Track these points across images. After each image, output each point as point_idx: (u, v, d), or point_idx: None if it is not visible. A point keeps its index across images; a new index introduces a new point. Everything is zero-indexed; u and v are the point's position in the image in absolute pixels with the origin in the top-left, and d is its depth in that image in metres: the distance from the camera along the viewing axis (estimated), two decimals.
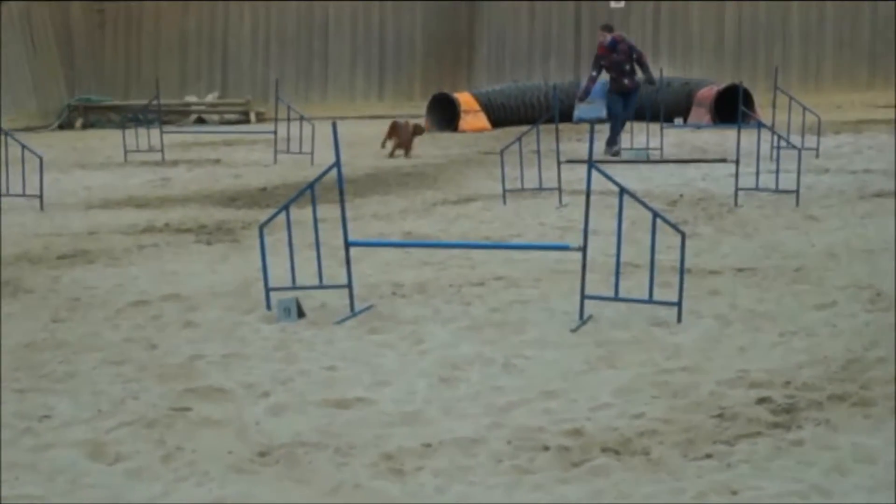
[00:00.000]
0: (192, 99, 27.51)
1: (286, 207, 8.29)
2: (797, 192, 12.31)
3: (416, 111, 24.03)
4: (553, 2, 26.28)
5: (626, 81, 17.92)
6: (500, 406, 6.06)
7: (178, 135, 21.81)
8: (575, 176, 13.96)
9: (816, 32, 24.45)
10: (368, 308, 8.15)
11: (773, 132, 14.43)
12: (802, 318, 7.62)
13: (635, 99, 18.03)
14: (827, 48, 24.42)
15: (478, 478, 5.15)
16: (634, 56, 17.95)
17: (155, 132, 19.62)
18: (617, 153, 17.26)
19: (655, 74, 18.07)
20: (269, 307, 8.12)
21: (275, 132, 18.59)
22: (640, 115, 17.93)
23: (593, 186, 7.93)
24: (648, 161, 16.43)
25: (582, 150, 17.33)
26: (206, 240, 11.28)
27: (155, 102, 19.92)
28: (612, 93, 18.12)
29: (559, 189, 12.97)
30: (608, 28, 18.71)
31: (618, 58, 17.90)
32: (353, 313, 7.99)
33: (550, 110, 15.11)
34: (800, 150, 13.35)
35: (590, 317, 7.72)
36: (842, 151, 16.91)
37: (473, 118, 22.15)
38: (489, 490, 5.02)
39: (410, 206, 13.05)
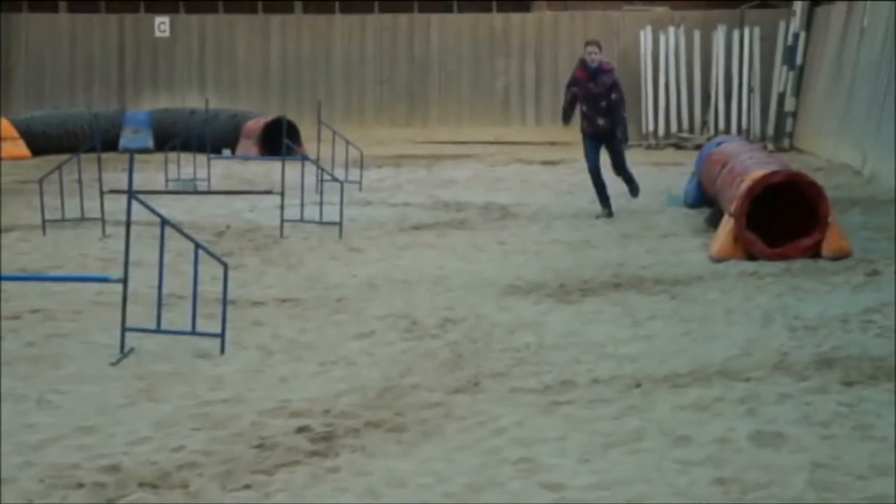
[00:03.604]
0: None
1: None
2: (340, 224, 12.62)
3: None
4: (95, 27, 25.71)
5: (600, 121, 13.77)
6: (32, 444, 5.83)
7: None
8: (120, 206, 13.66)
9: (358, 70, 25.24)
10: None
11: (318, 165, 14.74)
12: (342, 348, 7.81)
13: (618, 144, 13.99)
14: (368, 85, 25.25)
15: None
16: (613, 97, 13.68)
17: None
18: (609, 214, 13.71)
19: (199, 104, 17.71)
20: None
21: None
22: (187, 146, 17.81)
23: (138, 217, 7.81)
24: (195, 192, 16.36)
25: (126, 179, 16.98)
26: None
27: None
28: (585, 137, 13.96)
29: (102, 220, 12.68)
30: (596, 44, 14.11)
31: (595, 90, 13.76)
32: None
33: (94, 138, 14.74)
34: (342, 183, 13.70)
35: (131, 350, 7.58)
36: (383, 185, 17.50)
37: (12, 145, 21.30)
38: None
39: None
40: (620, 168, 14.21)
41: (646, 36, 24.02)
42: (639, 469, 5.46)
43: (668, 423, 6.08)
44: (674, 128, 23.96)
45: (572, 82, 14.06)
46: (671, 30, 23.94)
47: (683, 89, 24.00)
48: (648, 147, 23.33)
